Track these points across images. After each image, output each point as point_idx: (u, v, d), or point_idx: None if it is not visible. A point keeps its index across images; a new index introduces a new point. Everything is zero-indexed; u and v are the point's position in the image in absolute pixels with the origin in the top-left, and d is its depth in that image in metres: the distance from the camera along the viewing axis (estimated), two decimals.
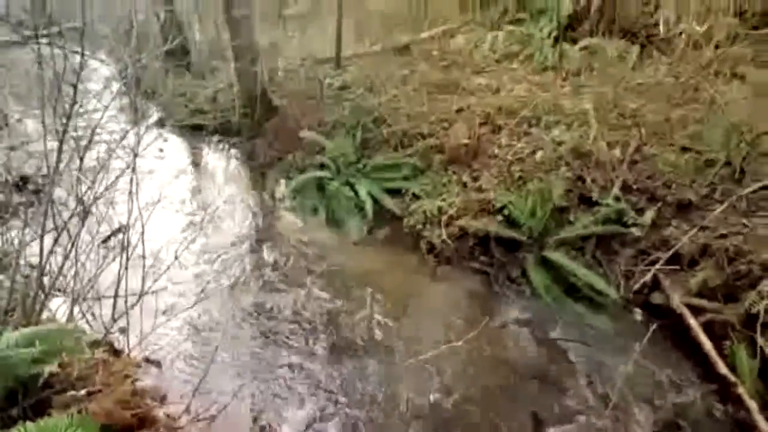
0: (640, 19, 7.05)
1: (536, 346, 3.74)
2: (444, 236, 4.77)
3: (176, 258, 3.05)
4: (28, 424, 1.64)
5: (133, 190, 2.53)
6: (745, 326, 3.40)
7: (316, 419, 2.98)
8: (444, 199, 5.10)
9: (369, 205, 5.37)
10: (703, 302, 3.73)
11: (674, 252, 4.05)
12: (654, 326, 3.55)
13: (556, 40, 7.35)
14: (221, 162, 7.10)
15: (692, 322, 3.63)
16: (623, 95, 5.66)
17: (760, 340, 3.23)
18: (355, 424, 2.97)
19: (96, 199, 2.41)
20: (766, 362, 3.20)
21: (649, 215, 4.37)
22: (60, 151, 2.09)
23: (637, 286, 4.09)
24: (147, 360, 3.13)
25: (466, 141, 5.53)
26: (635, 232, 4.34)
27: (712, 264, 3.80)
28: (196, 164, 7.19)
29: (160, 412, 2.58)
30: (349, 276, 4.50)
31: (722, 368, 3.31)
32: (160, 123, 7.74)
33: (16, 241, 3.15)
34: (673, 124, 4.96)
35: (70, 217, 2.22)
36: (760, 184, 4.15)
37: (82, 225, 2.35)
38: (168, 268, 2.97)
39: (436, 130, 5.99)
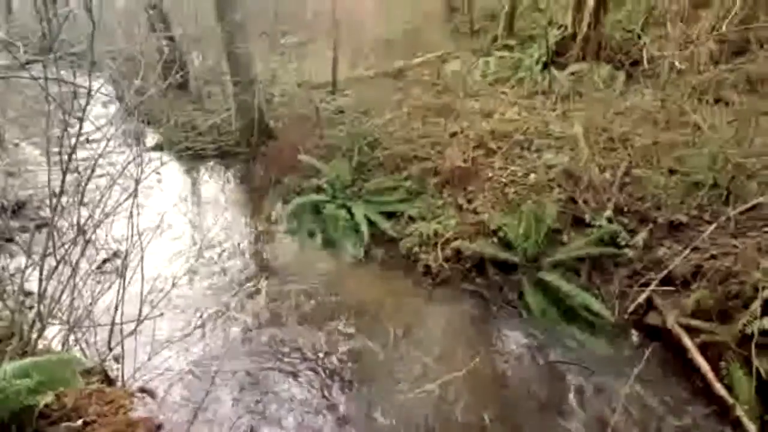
0: (624, 45, 7.33)
1: (535, 369, 3.73)
2: (440, 259, 4.80)
3: (174, 285, 3.04)
4: None
5: (133, 218, 2.55)
6: (740, 346, 3.43)
7: None
8: (439, 222, 5.16)
9: (365, 228, 5.40)
10: (699, 323, 3.76)
11: (667, 273, 4.10)
12: (651, 348, 3.56)
13: (545, 65, 7.60)
14: (218, 186, 7.14)
15: (688, 342, 3.65)
16: (611, 119, 5.83)
17: (755, 361, 3.26)
18: None
19: (96, 227, 2.42)
20: (763, 382, 3.22)
21: (641, 236, 4.44)
22: (63, 182, 2.12)
23: (632, 307, 4.12)
24: (142, 390, 3.08)
25: (460, 164, 5.64)
26: (628, 253, 4.40)
27: (704, 284, 3.86)
28: (193, 188, 7.23)
29: None
30: (345, 301, 4.49)
31: (720, 390, 3.33)
32: (158, 147, 7.79)
33: (11, 267, 3.14)
34: (660, 148, 5.10)
35: (70, 247, 2.23)
36: (747, 205, 4.26)
37: (82, 254, 2.36)
38: (165, 295, 2.96)
39: (430, 153, 6.11)
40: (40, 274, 2.15)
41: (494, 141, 5.99)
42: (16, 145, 6.26)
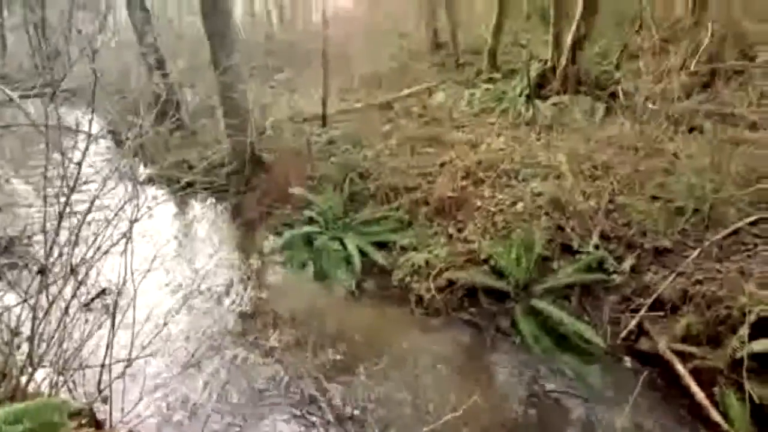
0: (601, 79, 7.69)
1: (531, 400, 3.70)
2: (432, 288, 4.82)
3: (165, 324, 3.01)
4: None
5: (126, 256, 2.55)
6: (731, 371, 3.47)
7: None
8: (431, 251, 5.21)
9: (357, 259, 5.43)
10: (690, 348, 3.80)
11: (656, 298, 4.18)
12: (644, 374, 3.58)
13: (528, 97, 7.91)
14: (210, 218, 7.14)
15: (681, 368, 3.68)
16: (593, 148, 6.04)
17: (747, 385, 3.29)
18: None
19: (89, 269, 2.43)
20: (756, 406, 3.25)
21: (628, 262, 4.54)
22: (59, 224, 2.14)
23: (623, 333, 4.17)
24: None
25: (450, 194, 5.75)
26: (617, 279, 4.48)
27: (693, 309, 3.93)
28: (185, 222, 7.21)
29: None
30: (338, 333, 4.45)
31: (715, 416, 3.34)
32: (150, 181, 7.81)
33: None
34: (641, 175, 5.28)
35: (62, 287, 2.22)
36: (727, 231, 4.39)
37: (73, 296, 2.35)
38: (156, 334, 2.92)
39: (420, 183, 6.23)
40: (33, 316, 2.13)
41: (482, 170, 6.14)
42: (7, 180, 6.24)
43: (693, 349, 3.77)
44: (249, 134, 7.41)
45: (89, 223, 2.73)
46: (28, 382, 2.24)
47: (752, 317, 3.52)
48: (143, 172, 8.17)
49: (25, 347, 2.48)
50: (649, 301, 4.19)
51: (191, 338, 4.26)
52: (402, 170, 6.54)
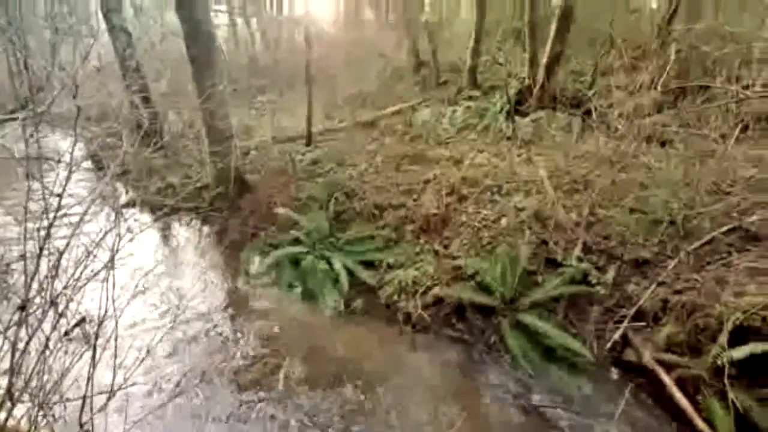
0: (577, 95, 7.95)
1: (521, 415, 3.71)
2: (419, 306, 4.83)
3: (148, 352, 2.95)
4: None
5: (107, 285, 2.51)
6: (714, 378, 3.55)
7: None
8: (417, 269, 5.24)
9: (344, 278, 5.41)
10: (673, 357, 3.88)
11: (638, 309, 4.27)
12: (630, 385, 3.64)
13: (508, 114, 8.12)
14: (194, 241, 7.05)
15: (665, 378, 3.75)
16: (572, 163, 6.21)
17: (730, 393, 3.36)
18: None
19: (69, 301, 2.38)
20: (740, 413, 3.31)
21: (610, 274, 4.64)
22: (39, 256, 2.11)
23: (609, 345, 4.23)
24: None
25: (435, 211, 5.82)
26: (600, 290, 4.57)
27: (673, 319, 4.03)
28: (168, 245, 7.10)
29: None
30: (327, 354, 4.42)
31: (700, 424, 3.39)
32: (132, 203, 7.70)
33: None
34: (619, 188, 5.44)
35: (41, 321, 2.17)
36: (702, 240, 4.54)
37: (53, 329, 2.29)
38: (139, 364, 2.85)
39: (405, 201, 6.29)
40: (12, 351, 2.07)
41: (466, 187, 6.24)
42: None
43: (676, 358, 3.85)
44: (233, 156, 7.40)
45: (70, 253, 2.68)
46: (6, 419, 2.16)
47: (730, 325, 3.63)
48: (126, 196, 8.06)
49: (2, 382, 2.40)
50: (632, 311, 4.27)
51: (175, 370, 4.15)
52: (387, 188, 6.60)
